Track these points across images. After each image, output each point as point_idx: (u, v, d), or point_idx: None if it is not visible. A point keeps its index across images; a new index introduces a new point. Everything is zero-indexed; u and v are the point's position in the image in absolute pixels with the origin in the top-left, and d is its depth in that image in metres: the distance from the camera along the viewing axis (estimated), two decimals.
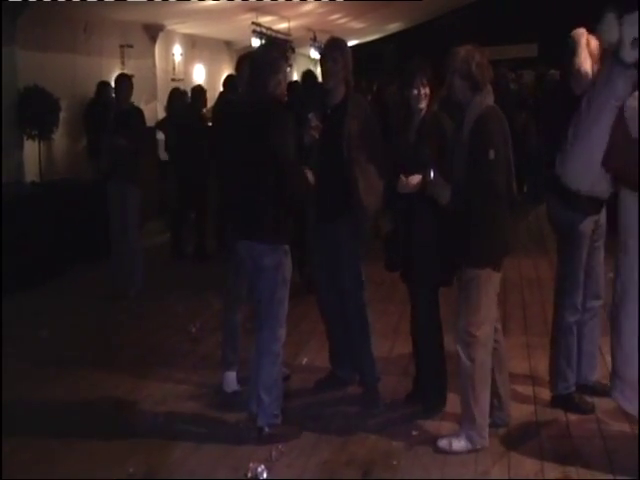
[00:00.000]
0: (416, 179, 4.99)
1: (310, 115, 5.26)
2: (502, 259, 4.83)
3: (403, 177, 5.02)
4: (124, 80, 8.94)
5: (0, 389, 5.86)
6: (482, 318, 4.75)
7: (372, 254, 5.62)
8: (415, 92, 5.18)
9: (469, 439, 4.79)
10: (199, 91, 10.99)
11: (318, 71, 6.09)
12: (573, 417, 5.21)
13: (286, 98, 5.21)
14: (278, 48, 5.19)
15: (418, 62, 5.28)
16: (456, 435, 4.85)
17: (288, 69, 5.16)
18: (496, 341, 4.97)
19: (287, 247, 5.03)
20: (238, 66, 6.22)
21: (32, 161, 10.78)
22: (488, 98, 4.78)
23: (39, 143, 10.78)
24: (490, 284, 4.77)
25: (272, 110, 4.94)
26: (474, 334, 4.74)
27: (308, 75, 10.53)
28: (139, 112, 8.96)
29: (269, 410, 5.05)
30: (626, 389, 4.64)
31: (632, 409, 4.66)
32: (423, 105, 5.22)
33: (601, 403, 5.35)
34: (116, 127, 8.52)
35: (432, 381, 5.37)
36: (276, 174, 4.88)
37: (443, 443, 4.85)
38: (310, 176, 5.02)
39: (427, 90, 5.19)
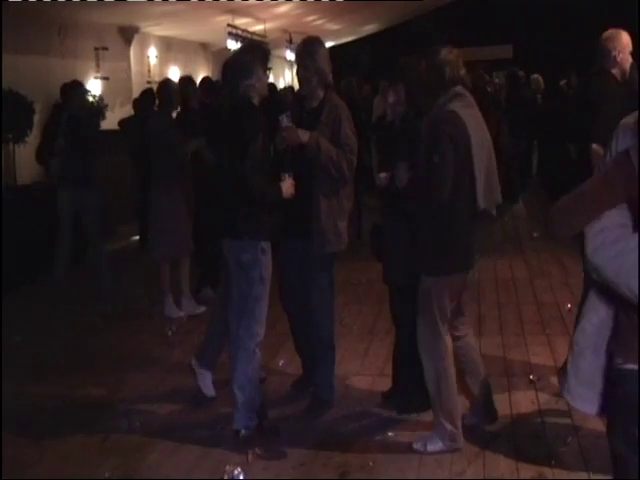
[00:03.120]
0: (384, 176, 5.01)
1: (281, 117, 5.23)
2: (453, 270, 4.72)
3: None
4: (77, 87, 8.88)
5: (0, 390, 5.84)
6: (437, 329, 4.73)
7: (349, 255, 5.62)
8: (399, 88, 5.19)
9: (442, 441, 4.81)
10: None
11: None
12: (548, 417, 5.23)
13: (264, 99, 5.20)
14: (252, 51, 5.18)
15: (405, 59, 5.28)
16: (430, 437, 4.86)
17: (268, 71, 5.15)
18: (467, 344, 5.01)
19: (265, 245, 5.01)
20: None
21: (6, 164, 10.71)
22: (453, 103, 4.66)
23: (13, 146, 10.71)
24: (441, 293, 4.70)
25: (241, 112, 4.96)
26: (430, 346, 4.76)
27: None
28: (92, 117, 8.99)
29: (244, 411, 5.04)
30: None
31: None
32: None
33: None
34: (68, 131, 8.46)
35: (415, 382, 5.35)
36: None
37: (418, 445, 4.86)
38: (287, 185, 5.02)
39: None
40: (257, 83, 5.03)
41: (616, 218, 2.57)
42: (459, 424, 4.82)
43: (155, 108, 8.82)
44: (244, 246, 4.99)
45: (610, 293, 2.61)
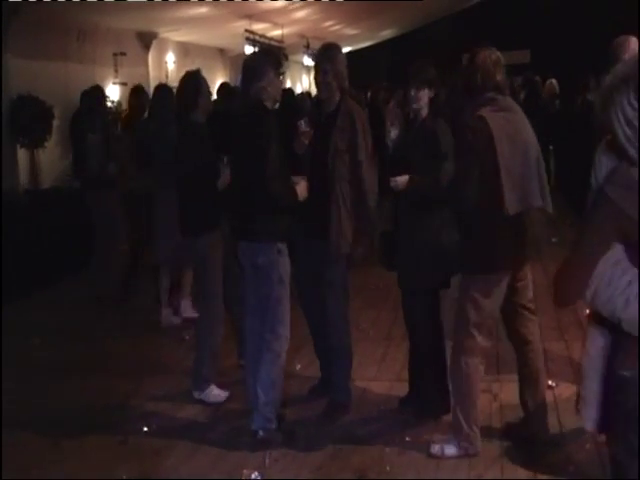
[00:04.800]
0: (403, 179, 5.03)
1: (300, 122, 5.27)
2: (491, 269, 4.68)
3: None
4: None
5: (0, 390, 5.88)
6: (468, 327, 4.73)
7: (366, 260, 5.61)
8: (412, 93, 5.20)
9: (459, 445, 4.80)
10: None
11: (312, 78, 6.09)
12: (566, 422, 5.20)
13: (277, 104, 5.24)
14: (263, 55, 5.22)
15: (418, 64, 5.29)
16: (447, 441, 4.85)
17: (281, 77, 5.19)
18: (533, 352, 4.98)
19: (281, 246, 5.02)
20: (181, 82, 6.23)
21: (25, 169, 10.78)
22: (484, 108, 4.63)
23: (32, 151, 10.78)
24: (477, 293, 4.69)
25: (253, 114, 4.99)
26: (460, 342, 4.76)
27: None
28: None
29: (264, 412, 5.05)
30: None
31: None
32: (416, 106, 5.22)
33: None
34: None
35: (432, 386, 5.36)
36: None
37: (435, 449, 4.86)
38: (302, 188, 5.03)
39: (421, 92, 5.18)
40: (269, 86, 5.05)
41: (609, 257, 2.66)
42: (476, 427, 4.81)
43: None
44: (260, 248, 5.00)
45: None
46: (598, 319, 2.77)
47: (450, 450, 4.81)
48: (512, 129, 4.67)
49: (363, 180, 5.31)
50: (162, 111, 7.59)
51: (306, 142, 5.25)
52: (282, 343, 5.08)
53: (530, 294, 4.97)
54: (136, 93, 8.98)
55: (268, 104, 5.06)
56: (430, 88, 5.19)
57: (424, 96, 5.18)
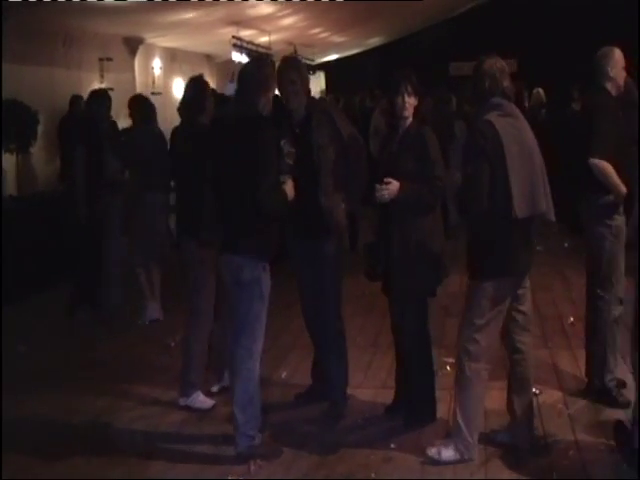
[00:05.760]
0: (394, 187, 5.03)
1: (282, 143, 5.22)
2: (500, 275, 4.69)
3: (379, 186, 5.06)
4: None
5: (0, 396, 5.86)
6: (473, 332, 4.74)
7: (351, 267, 5.62)
8: (399, 100, 5.22)
9: (457, 449, 4.80)
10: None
11: None
12: (550, 429, 5.23)
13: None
14: (267, 66, 5.13)
15: (403, 71, 5.31)
16: (445, 444, 4.87)
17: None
18: (524, 361, 4.97)
19: (266, 264, 4.99)
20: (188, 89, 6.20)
21: (10, 175, 10.74)
22: (490, 112, 4.69)
23: (17, 156, 10.74)
24: (485, 298, 4.69)
25: (257, 127, 4.91)
26: (465, 346, 4.78)
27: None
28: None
29: (245, 431, 4.98)
30: None
31: None
32: (406, 114, 5.25)
33: (577, 415, 5.40)
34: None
35: (420, 394, 5.37)
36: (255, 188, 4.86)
37: (432, 452, 4.87)
38: (289, 187, 5.00)
39: (411, 99, 5.22)
40: (271, 96, 5.07)
41: None
42: (475, 435, 4.82)
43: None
44: (246, 263, 4.94)
45: None
46: None
47: (447, 453, 4.81)
48: (518, 134, 4.73)
49: (354, 173, 5.39)
50: (151, 118, 7.71)
51: (290, 162, 5.19)
52: (254, 360, 5.01)
53: (528, 303, 4.96)
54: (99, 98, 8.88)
55: (265, 114, 5.02)
56: (415, 96, 5.22)
57: (412, 104, 5.21)
